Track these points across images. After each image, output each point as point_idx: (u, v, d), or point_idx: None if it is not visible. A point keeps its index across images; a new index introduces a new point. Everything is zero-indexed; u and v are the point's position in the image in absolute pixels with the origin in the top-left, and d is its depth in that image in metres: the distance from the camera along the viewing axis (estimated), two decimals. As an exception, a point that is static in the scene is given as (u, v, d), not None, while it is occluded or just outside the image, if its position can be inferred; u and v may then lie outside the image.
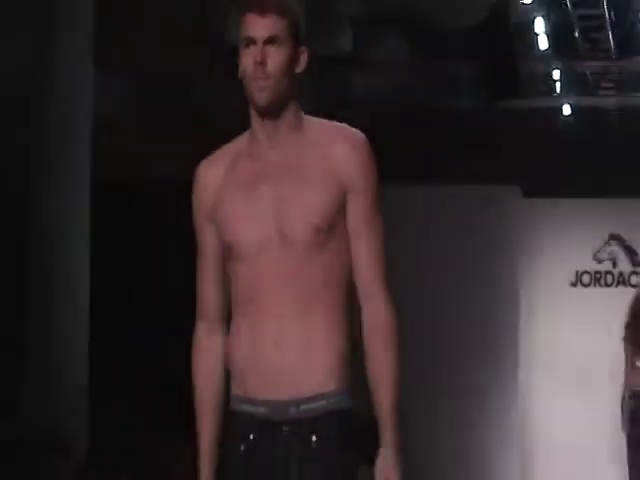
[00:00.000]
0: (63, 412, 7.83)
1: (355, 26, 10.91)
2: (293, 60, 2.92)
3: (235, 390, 2.95)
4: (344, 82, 12.24)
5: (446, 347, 11.38)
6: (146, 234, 10.90)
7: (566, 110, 12.70)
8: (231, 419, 2.99)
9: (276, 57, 2.87)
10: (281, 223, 2.85)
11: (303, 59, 2.96)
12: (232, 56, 3.28)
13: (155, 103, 10.55)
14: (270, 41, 2.87)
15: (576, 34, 11.83)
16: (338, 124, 3.05)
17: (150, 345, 9.76)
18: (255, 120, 2.92)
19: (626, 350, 10.06)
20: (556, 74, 12.55)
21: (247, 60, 2.88)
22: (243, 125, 3.26)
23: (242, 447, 2.90)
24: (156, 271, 10.84)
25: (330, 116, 3.69)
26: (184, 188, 3.56)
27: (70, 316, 8.09)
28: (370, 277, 2.95)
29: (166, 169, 10.83)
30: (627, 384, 10.23)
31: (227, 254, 2.92)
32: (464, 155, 12.17)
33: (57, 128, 8.06)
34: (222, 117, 10.12)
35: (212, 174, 3.00)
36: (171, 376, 7.72)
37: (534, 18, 11.44)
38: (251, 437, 2.89)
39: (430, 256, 11.94)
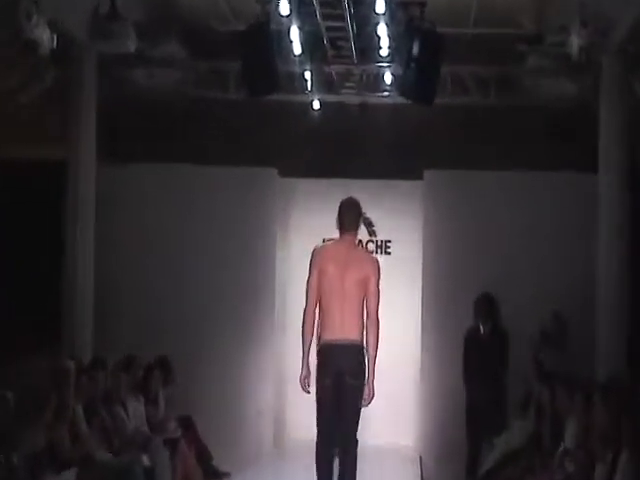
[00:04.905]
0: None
1: (140, 30, 11.28)
2: None
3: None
4: (130, 77, 12.80)
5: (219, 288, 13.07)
6: None
7: (316, 105, 13.63)
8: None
9: None
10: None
11: None
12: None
13: None
14: None
15: (325, 42, 12.38)
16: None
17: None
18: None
19: None
20: (307, 75, 13.26)
21: None
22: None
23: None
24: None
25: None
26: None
27: None
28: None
29: None
30: None
31: None
32: (230, 141, 13.30)
33: None
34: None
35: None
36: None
37: (289, 28, 11.69)
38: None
39: (211, 223, 13.18)
